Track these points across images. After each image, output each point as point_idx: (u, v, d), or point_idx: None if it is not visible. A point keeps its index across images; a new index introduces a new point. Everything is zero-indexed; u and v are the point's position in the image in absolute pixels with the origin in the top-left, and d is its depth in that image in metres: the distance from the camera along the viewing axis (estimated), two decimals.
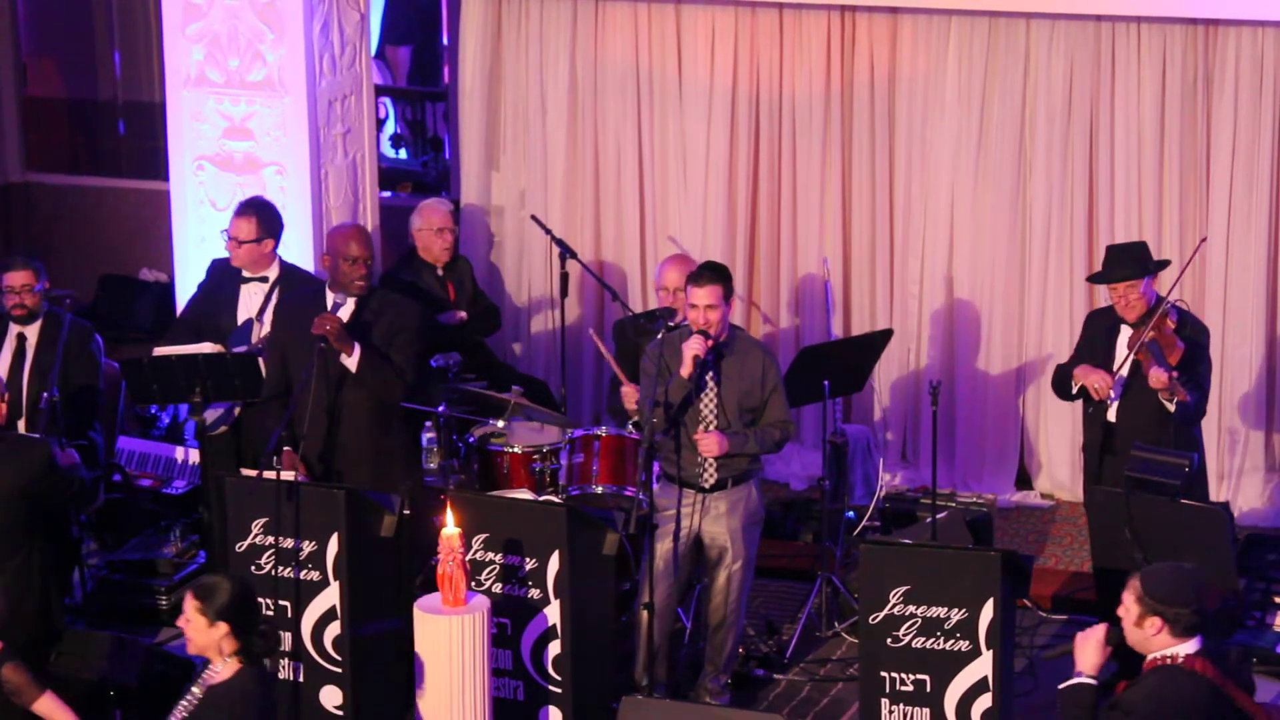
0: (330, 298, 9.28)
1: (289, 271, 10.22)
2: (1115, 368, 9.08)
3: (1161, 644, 6.71)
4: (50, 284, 10.12)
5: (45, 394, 9.49)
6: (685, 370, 8.79)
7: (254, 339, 9.94)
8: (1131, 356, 8.94)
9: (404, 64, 14.28)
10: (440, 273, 11.08)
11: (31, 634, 8.63)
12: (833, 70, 11.43)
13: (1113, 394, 9.06)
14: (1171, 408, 8.87)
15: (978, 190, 11.27)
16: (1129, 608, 6.75)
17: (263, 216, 10.08)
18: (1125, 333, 9.10)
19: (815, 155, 11.51)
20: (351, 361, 9.17)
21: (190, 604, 6.87)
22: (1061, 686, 7.01)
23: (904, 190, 11.44)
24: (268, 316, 10.01)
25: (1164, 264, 9.28)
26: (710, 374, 8.91)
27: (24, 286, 9.86)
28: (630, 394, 9.62)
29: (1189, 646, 6.71)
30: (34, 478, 8.56)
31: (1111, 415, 9.13)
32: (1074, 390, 9.20)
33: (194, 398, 9.68)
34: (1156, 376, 8.81)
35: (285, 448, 8.96)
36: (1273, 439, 11.16)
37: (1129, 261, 9.08)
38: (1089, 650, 6.87)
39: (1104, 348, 9.20)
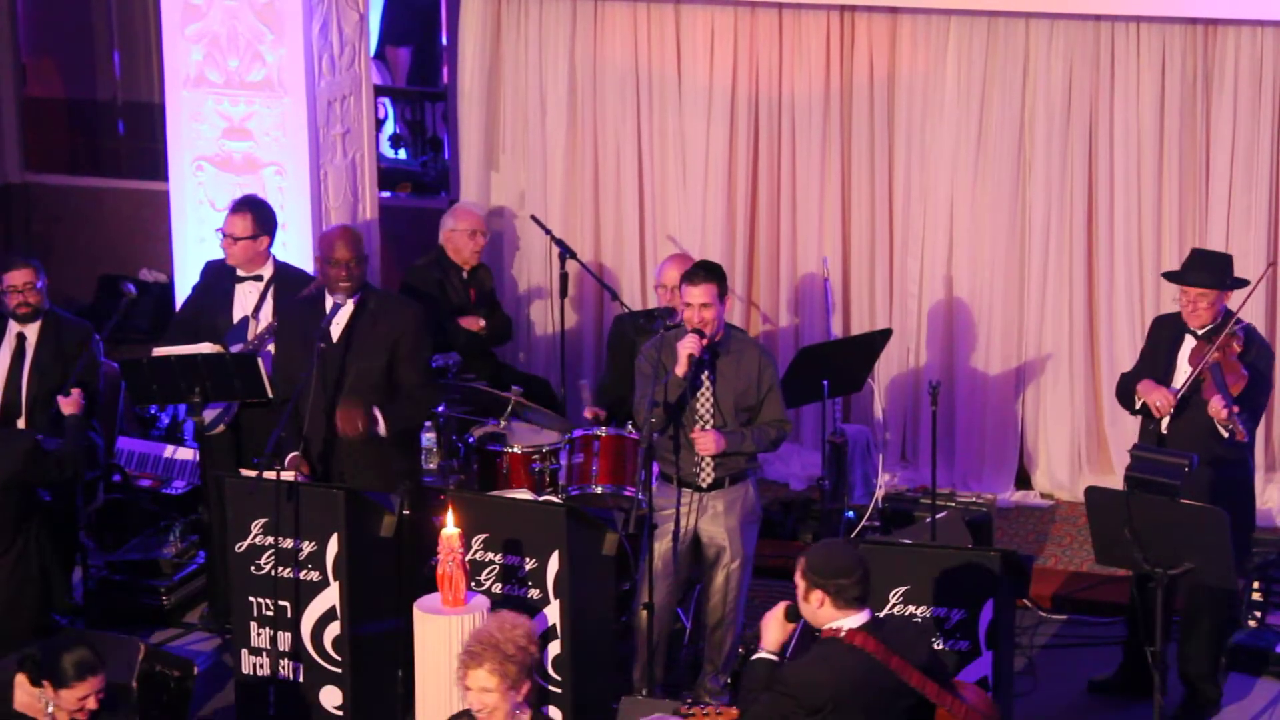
0: (330, 300, 9.26)
1: (283, 270, 10.22)
2: (1178, 387, 9.01)
3: (828, 617, 6.84)
4: (50, 281, 10.12)
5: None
6: (680, 369, 8.80)
7: (249, 335, 9.94)
8: (1194, 376, 8.86)
9: (403, 64, 14.28)
10: (465, 275, 11.11)
11: (33, 622, 8.64)
12: (832, 70, 11.43)
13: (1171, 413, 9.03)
14: (1226, 434, 8.83)
15: (977, 190, 11.27)
16: (798, 584, 6.92)
17: (257, 214, 10.09)
18: (1189, 344, 9.02)
19: (814, 155, 11.51)
20: (382, 429, 9.18)
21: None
22: (750, 659, 7.16)
23: (903, 190, 11.44)
24: (263, 314, 10.01)
25: (1242, 282, 9.18)
26: (706, 373, 8.91)
27: (26, 285, 9.86)
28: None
29: (854, 620, 6.82)
30: (21, 468, 8.62)
31: (1164, 428, 9.08)
32: (1136, 406, 9.17)
33: (193, 398, 9.68)
34: (1216, 409, 8.72)
35: (294, 452, 8.96)
36: (1272, 439, 11.16)
37: (1209, 269, 9.01)
38: (771, 628, 7.02)
39: (1166, 357, 9.10)
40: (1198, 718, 9.10)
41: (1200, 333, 8.97)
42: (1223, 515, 8.13)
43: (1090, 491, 8.56)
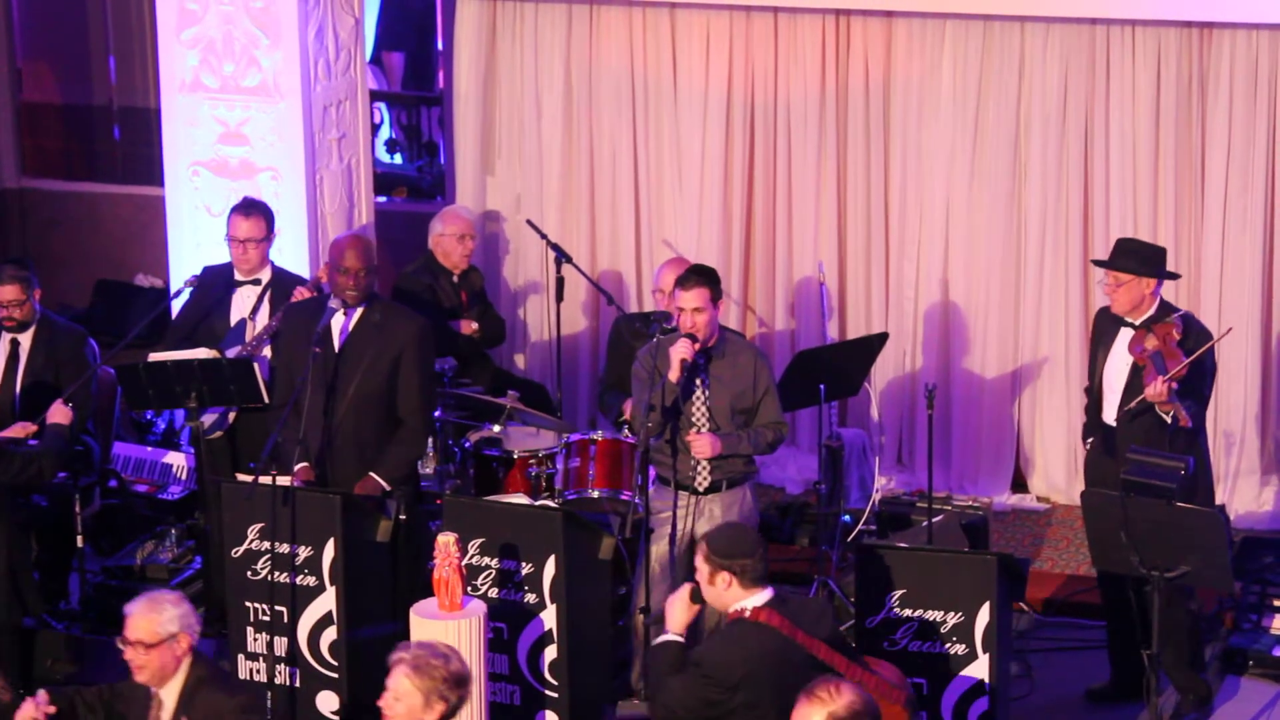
0: (332, 306, 9.21)
1: (280, 275, 10.22)
2: (1107, 373, 9.10)
3: (735, 597, 7.07)
4: (42, 290, 10.09)
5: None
6: (673, 375, 8.80)
7: (247, 337, 9.94)
8: (1139, 400, 8.90)
9: (399, 69, 14.28)
10: (455, 279, 11.10)
11: (2, 619, 8.62)
12: (827, 74, 11.43)
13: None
14: (1169, 420, 8.86)
15: (973, 193, 11.28)
16: (700, 569, 7.12)
17: (266, 214, 10.19)
18: (1125, 335, 9.09)
19: (810, 159, 11.51)
20: (385, 483, 9.19)
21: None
22: (653, 643, 7.33)
23: (899, 194, 11.44)
24: (260, 316, 10.01)
25: (1173, 275, 9.29)
26: (700, 377, 8.91)
27: (12, 302, 9.83)
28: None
29: (759, 598, 7.05)
30: None
31: (1110, 419, 9.12)
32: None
33: (189, 403, 9.68)
34: (1154, 389, 8.78)
35: (304, 463, 8.95)
36: (1268, 442, 11.16)
37: (1131, 256, 9.10)
38: (676, 611, 7.21)
39: (1102, 348, 9.22)
40: (1193, 716, 9.11)
41: (1138, 323, 9.03)
42: (1219, 518, 8.13)
43: (1086, 495, 8.57)
